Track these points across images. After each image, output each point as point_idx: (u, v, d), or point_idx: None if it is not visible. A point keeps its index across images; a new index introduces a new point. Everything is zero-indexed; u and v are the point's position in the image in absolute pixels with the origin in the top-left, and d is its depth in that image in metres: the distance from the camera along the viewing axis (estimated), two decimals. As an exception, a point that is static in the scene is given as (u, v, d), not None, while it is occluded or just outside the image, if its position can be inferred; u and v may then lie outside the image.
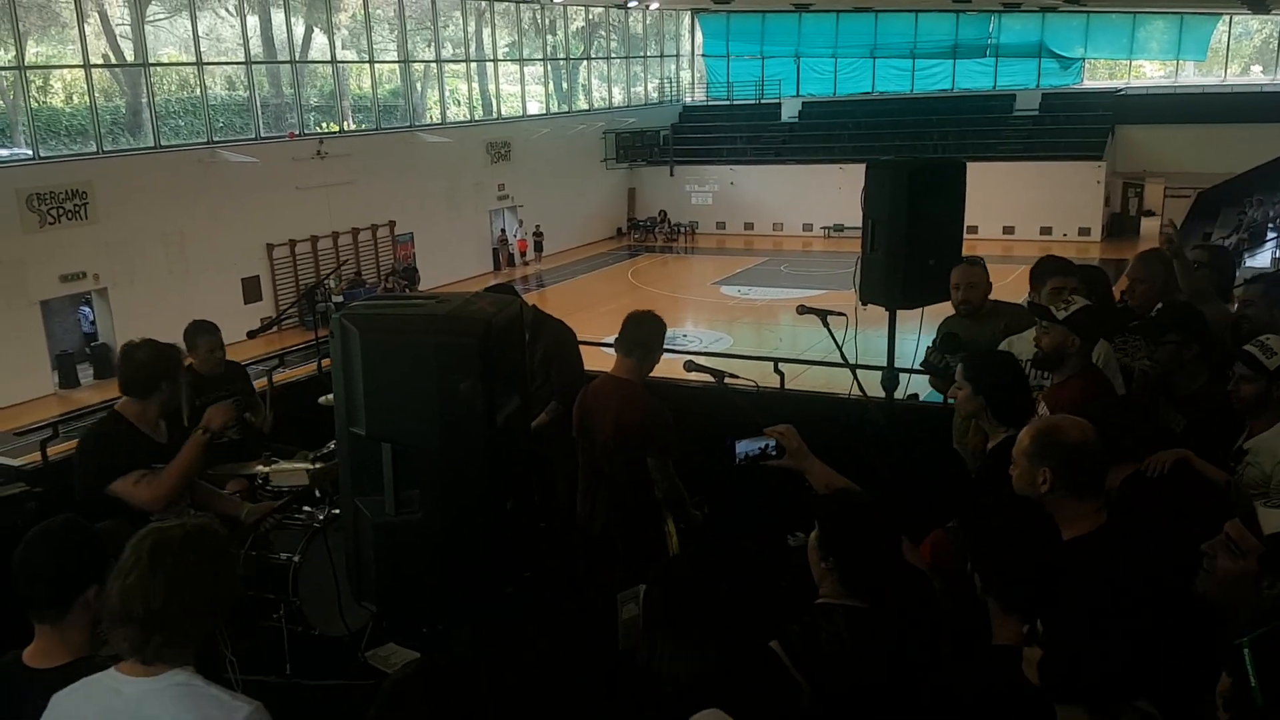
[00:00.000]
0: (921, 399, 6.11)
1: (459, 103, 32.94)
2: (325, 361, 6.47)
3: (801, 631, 2.60)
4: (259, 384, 6.35)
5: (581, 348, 6.04)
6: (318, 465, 4.89)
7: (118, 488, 3.88)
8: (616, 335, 4.63)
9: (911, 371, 5.67)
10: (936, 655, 2.65)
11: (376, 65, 29.18)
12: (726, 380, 4.90)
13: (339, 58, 28.20)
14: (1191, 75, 38.11)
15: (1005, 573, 2.42)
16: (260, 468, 5.20)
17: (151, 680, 2.17)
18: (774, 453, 3.32)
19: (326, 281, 23.26)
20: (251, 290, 23.71)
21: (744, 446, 3.35)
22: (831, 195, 32.05)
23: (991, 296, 5.23)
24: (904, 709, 2.45)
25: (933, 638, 2.73)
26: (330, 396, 5.20)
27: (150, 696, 2.16)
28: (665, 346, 4.66)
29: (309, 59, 27.82)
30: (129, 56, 23.53)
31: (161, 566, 2.14)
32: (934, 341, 5.22)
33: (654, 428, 4.47)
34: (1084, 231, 32.24)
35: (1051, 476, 2.74)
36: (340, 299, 21.69)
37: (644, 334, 4.57)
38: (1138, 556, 2.84)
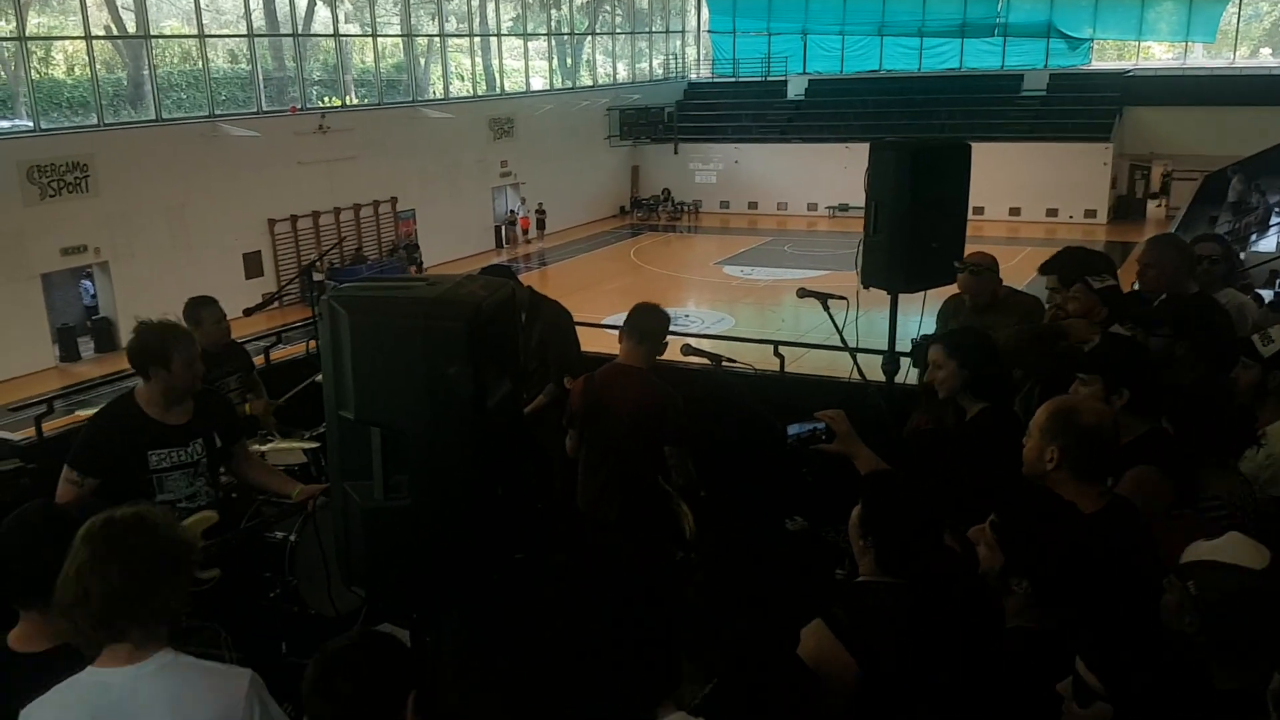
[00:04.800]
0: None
1: (462, 78, 32.74)
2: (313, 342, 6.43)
3: (847, 610, 2.61)
4: (256, 360, 6.32)
5: (581, 329, 5.99)
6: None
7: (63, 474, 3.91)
8: (624, 322, 4.61)
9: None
10: (974, 636, 2.63)
11: (380, 39, 28.99)
12: (723, 364, 4.88)
13: (342, 31, 28.01)
14: (1200, 57, 37.78)
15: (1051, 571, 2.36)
16: (257, 447, 5.19)
17: (137, 667, 2.11)
18: (823, 436, 3.31)
19: (326, 258, 23.12)
20: (253, 265, 23.65)
21: (794, 429, 3.35)
22: (837, 175, 31.82)
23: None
24: (948, 686, 2.44)
25: (969, 618, 2.71)
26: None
27: (143, 681, 2.10)
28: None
29: (312, 32, 27.65)
30: (130, 28, 23.36)
31: (114, 547, 2.09)
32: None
33: (673, 416, 4.50)
34: (1090, 214, 32.10)
35: (1058, 455, 2.81)
36: (321, 277, 21.24)
37: (654, 322, 4.59)
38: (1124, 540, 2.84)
